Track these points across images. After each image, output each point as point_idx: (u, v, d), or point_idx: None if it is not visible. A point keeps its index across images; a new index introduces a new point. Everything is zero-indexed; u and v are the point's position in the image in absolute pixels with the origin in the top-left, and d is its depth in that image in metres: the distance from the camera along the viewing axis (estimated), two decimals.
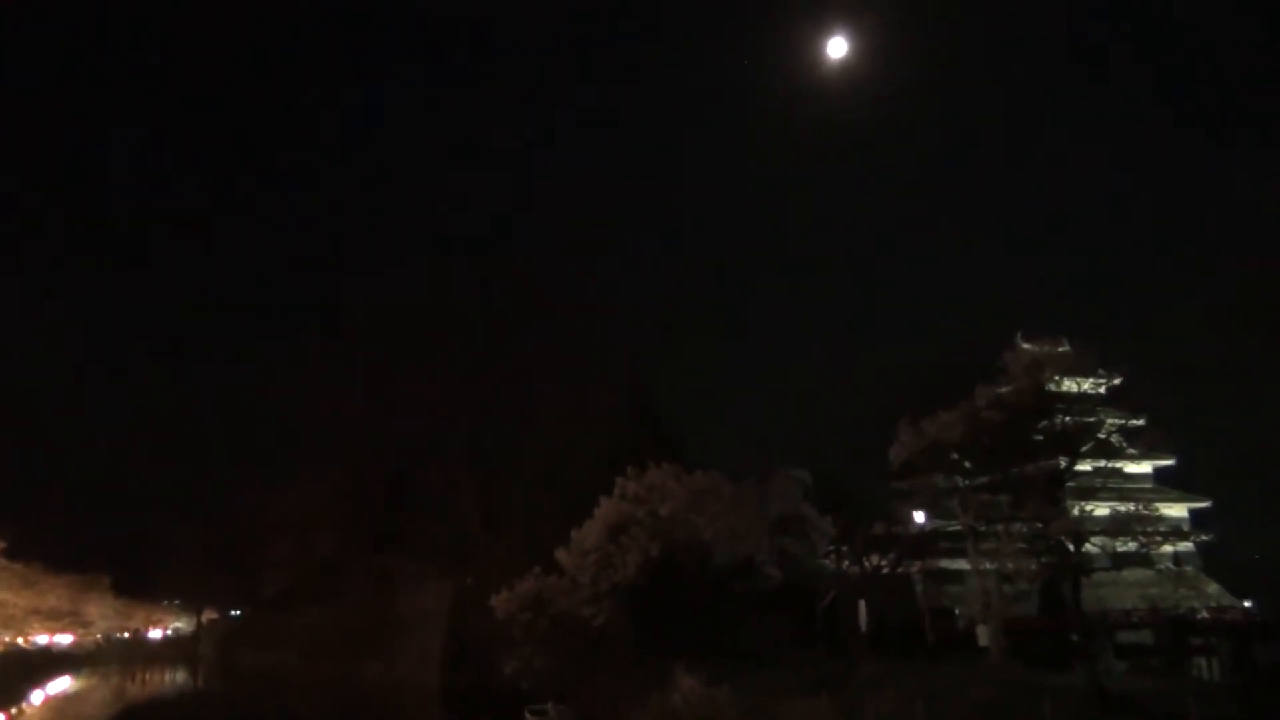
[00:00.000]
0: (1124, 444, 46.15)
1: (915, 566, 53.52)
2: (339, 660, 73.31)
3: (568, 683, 42.10)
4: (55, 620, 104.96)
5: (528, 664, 43.59)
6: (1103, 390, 51.97)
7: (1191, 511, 64.41)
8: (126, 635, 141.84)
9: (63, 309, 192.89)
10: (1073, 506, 44.60)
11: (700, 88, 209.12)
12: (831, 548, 50.66)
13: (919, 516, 47.52)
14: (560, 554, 44.98)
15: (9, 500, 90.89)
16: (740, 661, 39.15)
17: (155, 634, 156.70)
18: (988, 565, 45.09)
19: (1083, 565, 43.69)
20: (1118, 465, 46.46)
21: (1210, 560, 63.89)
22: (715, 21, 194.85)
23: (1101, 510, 45.03)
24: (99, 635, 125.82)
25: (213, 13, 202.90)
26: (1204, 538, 62.54)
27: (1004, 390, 45.66)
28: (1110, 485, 45.65)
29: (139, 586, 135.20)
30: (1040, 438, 45.19)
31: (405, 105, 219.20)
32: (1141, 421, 46.70)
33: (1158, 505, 47.15)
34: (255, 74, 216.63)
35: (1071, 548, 43.04)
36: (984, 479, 45.59)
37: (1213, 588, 59.29)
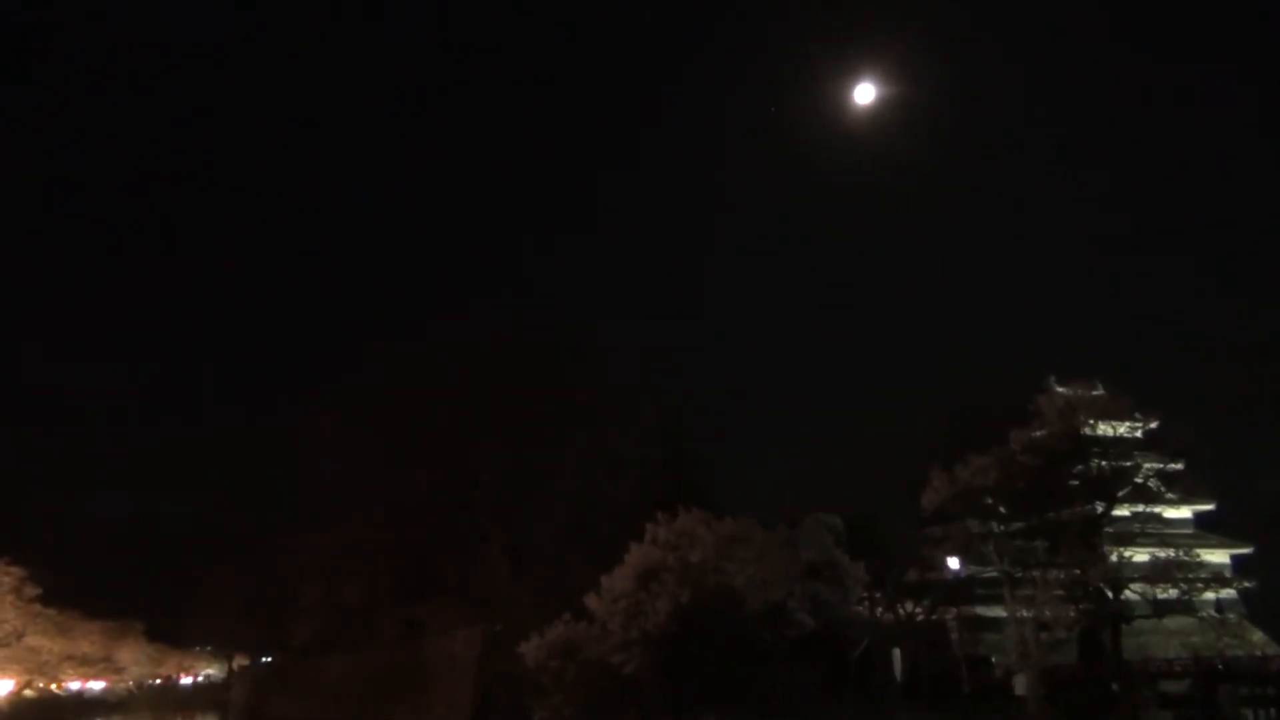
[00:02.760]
0: (1162, 488, 45.39)
1: (950, 614, 52.68)
2: (368, 707, 72.87)
3: None
4: (88, 666, 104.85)
5: (557, 712, 43.14)
6: (1139, 434, 51.20)
7: (1233, 557, 63.03)
8: (158, 681, 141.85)
9: (96, 354, 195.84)
10: (1111, 552, 43.82)
11: (726, 134, 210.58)
12: (864, 595, 50.03)
13: (953, 563, 46.89)
14: (590, 600, 44.67)
15: (44, 547, 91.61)
16: (772, 711, 38.63)
17: (187, 680, 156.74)
18: (1025, 613, 44.32)
19: (1122, 613, 42.88)
20: (1156, 510, 45.67)
21: (1254, 607, 62.46)
22: (740, 69, 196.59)
23: (1140, 556, 44.23)
24: (131, 682, 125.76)
25: (260, 73, 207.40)
26: (1247, 584, 61.14)
27: (1038, 434, 45.12)
28: (1149, 531, 44.87)
29: (172, 633, 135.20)
30: (1076, 482, 44.55)
31: (434, 158, 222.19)
32: (1180, 465, 45.92)
33: (1198, 551, 46.28)
34: (283, 136, 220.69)
35: (1110, 595, 42.28)
36: (1019, 524, 44.97)
37: (1257, 636, 57.85)
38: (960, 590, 50.26)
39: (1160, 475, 45.43)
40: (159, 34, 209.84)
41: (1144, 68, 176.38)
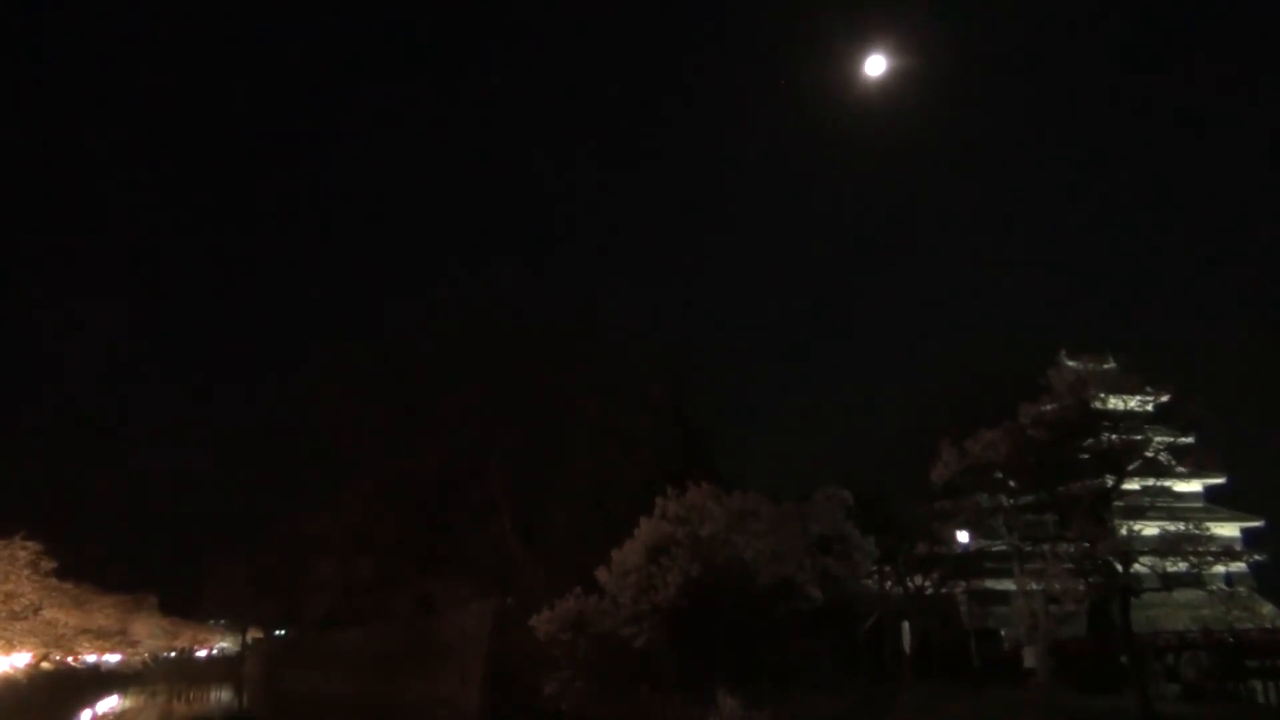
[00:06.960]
0: (1173, 462, 45.18)
1: (960, 587, 52.85)
2: (381, 681, 73.64)
3: (608, 704, 41.97)
4: (104, 639, 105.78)
5: (568, 685, 43.50)
6: (1150, 407, 50.95)
7: (1244, 531, 63.03)
8: (173, 655, 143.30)
9: (112, 333, 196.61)
10: (1120, 526, 43.72)
11: (737, 108, 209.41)
12: (874, 568, 50.15)
13: (963, 537, 46.94)
14: (601, 574, 44.93)
15: (61, 521, 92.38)
16: (782, 684, 38.86)
17: (201, 653, 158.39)
18: (1034, 586, 44.37)
19: (1131, 586, 42.86)
20: (1167, 484, 45.60)
21: (1264, 581, 62.52)
22: (752, 41, 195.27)
23: (1150, 530, 44.10)
24: (146, 654, 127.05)
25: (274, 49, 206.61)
26: (1257, 557, 61.04)
27: (1048, 408, 44.97)
28: (1159, 504, 44.80)
29: (186, 606, 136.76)
30: (1086, 456, 44.43)
31: (448, 125, 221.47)
32: (1190, 439, 45.76)
33: (1208, 524, 46.03)
34: (295, 103, 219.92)
35: (1120, 568, 42.23)
36: (1029, 498, 44.93)
37: (1267, 608, 57.90)
38: (969, 564, 50.32)
39: (1171, 449, 45.24)
40: (148, 35, 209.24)
41: (1157, 41, 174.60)
